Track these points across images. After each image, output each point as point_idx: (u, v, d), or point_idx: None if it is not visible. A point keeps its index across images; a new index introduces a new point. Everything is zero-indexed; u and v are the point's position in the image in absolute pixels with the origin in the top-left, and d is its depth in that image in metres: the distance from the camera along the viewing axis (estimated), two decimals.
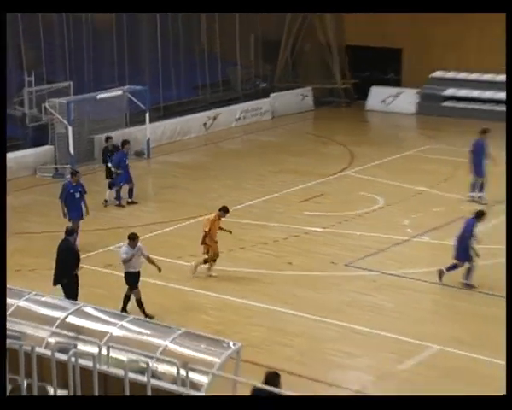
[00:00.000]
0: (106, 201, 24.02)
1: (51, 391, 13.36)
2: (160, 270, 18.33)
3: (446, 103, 36.85)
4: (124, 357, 13.62)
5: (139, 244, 18.01)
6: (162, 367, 13.69)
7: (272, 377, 12.43)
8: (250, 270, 21.50)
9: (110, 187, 24.91)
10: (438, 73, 37.46)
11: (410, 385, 15.99)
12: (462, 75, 37.08)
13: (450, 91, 36.93)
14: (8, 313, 15.12)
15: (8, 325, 14.09)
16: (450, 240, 20.80)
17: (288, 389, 12.17)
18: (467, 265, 19.75)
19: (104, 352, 13.28)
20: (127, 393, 13.29)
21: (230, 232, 20.51)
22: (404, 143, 33.05)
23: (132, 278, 17.95)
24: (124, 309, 17.77)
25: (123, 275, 17.94)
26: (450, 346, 17.30)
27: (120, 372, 13.03)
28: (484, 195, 24.93)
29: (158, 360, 13.76)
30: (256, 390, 12.54)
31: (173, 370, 13.19)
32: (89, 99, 30.29)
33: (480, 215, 19.64)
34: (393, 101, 38.20)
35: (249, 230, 23.81)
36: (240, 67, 37.86)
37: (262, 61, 39.23)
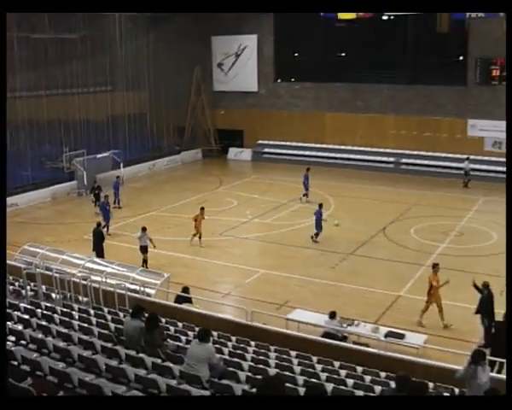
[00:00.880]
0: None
1: (80, 298, 21.28)
2: (154, 247, 28.35)
3: (264, 156, 54.71)
4: (113, 281, 22.74)
5: (146, 232, 28.37)
6: (132, 286, 22.55)
7: (185, 289, 21.82)
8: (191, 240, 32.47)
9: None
10: (260, 141, 55.41)
11: (251, 290, 25.93)
12: (272, 142, 55.32)
13: (266, 149, 54.92)
14: (58, 262, 25.06)
15: (56, 267, 23.22)
16: (270, 220, 36.02)
17: (193, 294, 21.50)
18: (318, 231, 32.50)
19: (103, 279, 22.42)
20: (116, 299, 20.92)
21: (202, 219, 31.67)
22: (245, 174, 49.92)
23: (143, 249, 28.15)
24: (144, 265, 27.77)
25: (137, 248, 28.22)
26: (269, 270, 28.34)
27: (112, 289, 21.49)
28: (306, 199, 39.93)
29: (130, 283, 22.72)
30: (177, 296, 21.62)
31: (137, 287, 22.63)
32: (92, 158, 44.75)
33: (321, 206, 33.08)
34: (240, 154, 56.19)
35: (172, 218, 36.49)
36: (165, 140, 54.42)
37: (177, 136, 55.69)
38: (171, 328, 18.15)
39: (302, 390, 12.50)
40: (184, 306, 21.08)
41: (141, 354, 13.52)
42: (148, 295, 22.35)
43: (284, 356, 16.80)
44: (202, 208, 32.33)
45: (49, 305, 18.61)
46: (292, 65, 55.87)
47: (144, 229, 28.65)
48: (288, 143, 54.65)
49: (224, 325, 19.42)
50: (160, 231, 32.80)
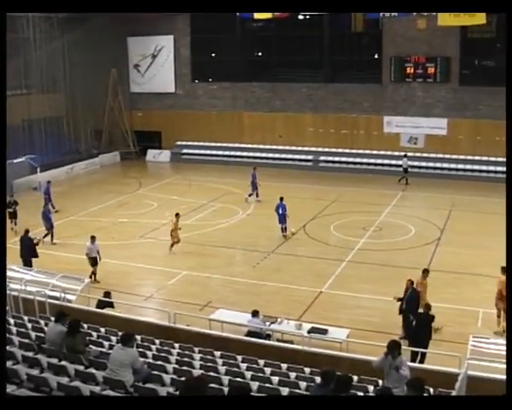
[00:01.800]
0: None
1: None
2: (100, 259, 27.23)
3: (183, 157, 54.31)
4: (33, 289, 22.31)
5: (95, 242, 27.17)
6: (52, 293, 22.06)
7: (106, 293, 21.81)
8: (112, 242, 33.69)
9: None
10: (178, 143, 55.06)
11: (173, 291, 25.74)
12: (191, 143, 54.82)
13: (184, 150, 54.59)
14: None
15: None
16: (190, 221, 35.40)
17: (115, 298, 21.48)
18: (285, 226, 32.98)
19: (22, 287, 22.05)
20: (36, 307, 20.62)
21: (180, 229, 30.69)
22: (164, 176, 49.86)
23: (93, 260, 26.94)
24: (92, 276, 26.73)
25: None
26: (190, 271, 28.12)
27: (31, 297, 21.24)
28: (251, 198, 40.27)
29: (50, 289, 22.32)
30: (99, 301, 21.48)
31: (58, 294, 22.00)
32: (8, 164, 38.88)
33: (282, 199, 33.49)
34: (159, 156, 55.77)
35: (92, 223, 35.33)
36: (83, 143, 53.15)
37: (94, 139, 54.81)
38: (94, 334, 17.78)
39: (227, 390, 12.31)
40: (106, 311, 20.76)
41: (63, 362, 13.21)
42: (69, 301, 21.83)
43: (208, 357, 16.65)
44: (177, 214, 31.62)
45: None
46: (209, 65, 55.80)
47: (93, 238, 27.60)
48: (206, 144, 54.59)
49: (147, 328, 19.15)
50: (80, 236, 32.04)
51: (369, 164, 49.67)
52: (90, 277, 26.66)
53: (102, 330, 18.67)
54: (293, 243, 32.45)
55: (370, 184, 44.39)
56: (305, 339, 18.51)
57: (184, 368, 14.79)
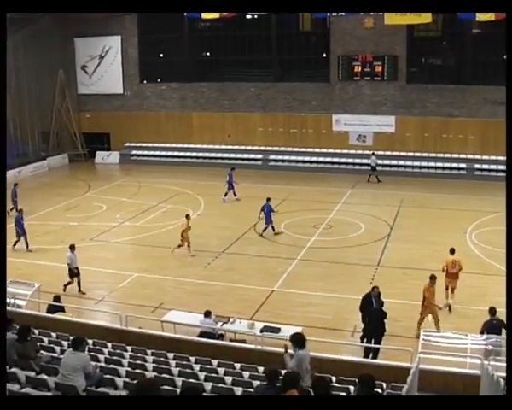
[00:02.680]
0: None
1: None
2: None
3: (132, 158, 54.05)
4: None
5: (75, 251, 26.09)
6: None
7: (56, 297, 21.29)
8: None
9: None
10: (127, 144, 54.85)
11: (125, 294, 25.45)
12: (140, 144, 54.79)
13: (133, 151, 54.44)
14: None
15: None
16: (140, 223, 35.46)
17: (66, 302, 21.13)
18: (268, 225, 33.15)
19: None
20: None
21: (190, 228, 30.30)
22: (114, 178, 49.51)
23: (75, 271, 25.85)
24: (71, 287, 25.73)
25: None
26: (142, 273, 27.94)
27: None
28: (226, 198, 40.47)
29: None
30: (49, 305, 20.93)
31: (8, 299, 20.02)
32: None
33: (269, 199, 33.57)
34: (108, 158, 55.38)
35: (40, 226, 34.77)
36: (31, 146, 52.31)
37: (42, 142, 53.94)
38: (45, 339, 17.53)
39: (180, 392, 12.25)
40: (57, 315, 20.46)
41: (14, 369, 13.04)
42: (19, 306, 21.41)
43: (161, 359, 16.56)
44: (188, 215, 31.36)
45: None
46: (157, 65, 55.49)
47: (73, 247, 26.50)
48: (156, 145, 54.60)
49: (98, 331, 18.95)
50: (29, 239, 31.49)
51: (318, 162, 50.03)
52: (79, 289, 25.84)
53: (54, 335, 18.41)
54: (244, 242, 32.46)
55: (320, 183, 44.85)
56: (257, 338, 18.58)
57: (137, 371, 14.67)
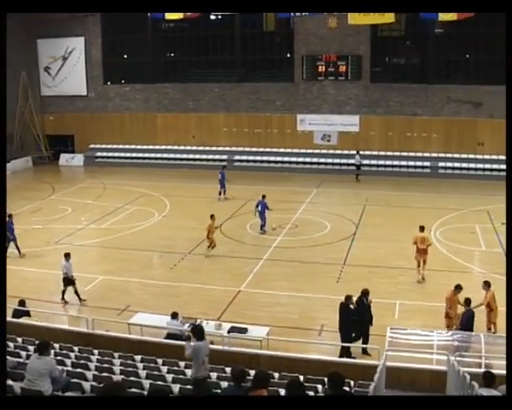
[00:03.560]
0: None
1: None
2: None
3: (97, 160, 53.73)
4: None
5: (70, 259, 25.07)
6: None
7: (21, 302, 20.93)
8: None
9: None
10: (91, 146, 54.48)
11: (91, 297, 24.93)
12: (104, 146, 54.52)
13: (98, 153, 54.16)
14: None
15: None
16: (106, 225, 35.11)
17: (31, 307, 20.73)
18: (263, 222, 33.52)
19: None
20: None
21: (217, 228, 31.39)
22: (78, 180, 48.85)
23: (69, 280, 24.77)
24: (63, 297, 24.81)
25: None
26: (108, 275, 27.66)
27: None
28: (221, 197, 40.72)
29: None
30: (14, 310, 20.57)
31: None
32: None
33: (264, 196, 33.89)
34: (72, 160, 54.97)
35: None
36: None
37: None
38: (11, 344, 17.28)
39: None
40: (23, 320, 20.26)
41: None
42: None
43: (129, 362, 16.48)
44: (212, 216, 30.92)
45: None
46: (121, 67, 55.29)
47: (68, 256, 25.32)
48: (120, 146, 54.28)
49: (65, 335, 18.82)
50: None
51: (283, 162, 50.23)
52: (78, 298, 24.87)
53: (19, 340, 18.23)
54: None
55: (285, 182, 44.97)
56: (225, 339, 18.57)
57: (104, 374, 14.57)
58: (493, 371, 11.57)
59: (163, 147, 53.46)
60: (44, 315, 21.63)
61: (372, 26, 47.14)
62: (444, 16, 41.19)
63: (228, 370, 16.07)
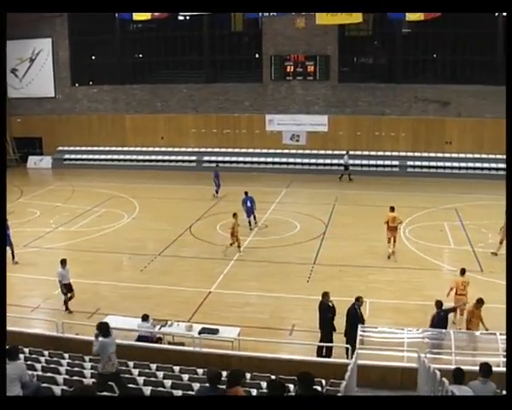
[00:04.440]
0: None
1: None
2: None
3: (65, 162, 53.40)
4: None
5: (67, 265, 24.45)
6: None
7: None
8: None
9: None
10: (60, 148, 54.00)
11: (61, 301, 24.14)
12: (73, 148, 54.25)
13: (66, 155, 53.52)
14: None
15: None
16: (75, 228, 34.97)
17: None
18: (250, 217, 33.76)
19: None
20: None
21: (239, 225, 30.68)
22: (47, 183, 48.20)
23: (68, 287, 24.16)
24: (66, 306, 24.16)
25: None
26: (77, 278, 25.97)
27: None
28: (218, 195, 40.90)
29: None
30: None
31: None
32: None
33: (247, 193, 34.30)
34: (40, 162, 54.37)
35: None
36: None
37: None
38: None
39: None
40: None
41: None
42: None
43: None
44: (235, 214, 30.82)
45: None
46: (89, 68, 54.95)
47: (64, 262, 24.66)
48: (89, 148, 53.88)
49: (34, 339, 18.67)
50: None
51: (252, 163, 50.33)
52: (66, 308, 24.21)
53: None
54: (180, 244, 32.36)
55: (255, 183, 44.61)
56: (196, 340, 18.54)
57: (75, 378, 14.48)
58: (463, 367, 11.64)
59: (132, 148, 53.21)
60: (13, 319, 21.38)
61: (340, 26, 47.41)
62: (411, 16, 41.64)
63: (200, 371, 16.15)
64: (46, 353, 17.61)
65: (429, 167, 47.10)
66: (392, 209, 29.71)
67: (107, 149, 53.63)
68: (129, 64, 54.39)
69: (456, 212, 36.44)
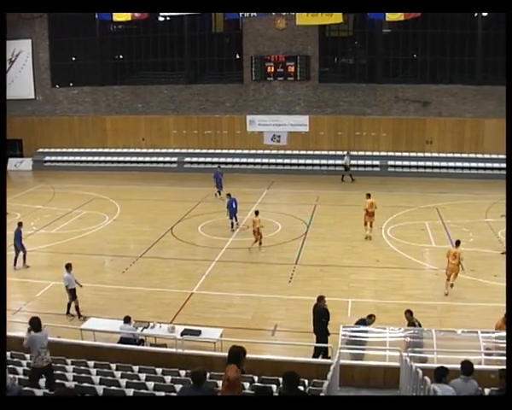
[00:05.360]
0: None
1: None
2: (81, 286, 24.17)
3: (46, 164, 52.95)
4: None
5: (71, 270, 23.93)
6: None
7: None
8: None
9: None
10: (40, 150, 53.67)
11: (43, 303, 24.64)
12: (53, 150, 53.92)
13: (47, 157, 53.32)
14: None
15: None
16: (56, 230, 34.65)
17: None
18: (232, 221, 33.90)
19: None
20: None
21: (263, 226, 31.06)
22: (27, 185, 47.87)
23: (72, 292, 23.64)
24: (71, 311, 23.66)
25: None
26: (59, 281, 25.26)
27: None
28: (220, 196, 39.56)
29: None
30: None
31: None
32: None
33: (229, 195, 34.31)
34: (20, 164, 53.99)
35: None
36: None
37: None
38: None
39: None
40: None
41: None
42: None
43: (82, 367, 16.35)
44: (257, 212, 31.56)
45: None
46: (69, 69, 54.57)
47: (69, 267, 24.15)
48: (69, 150, 53.64)
49: (16, 343, 18.44)
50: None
51: (233, 163, 50.16)
52: (68, 312, 23.78)
53: None
54: (162, 245, 32.30)
55: (236, 183, 44.45)
56: (178, 342, 18.47)
57: (57, 381, 14.44)
58: (445, 365, 11.71)
59: (113, 150, 53.00)
60: None
61: (320, 27, 47.50)
62: (391, 16, 41.97)
63: (182, 373, 16.13)
64: (28, 356, 17.31)
65: (410, 167, 47.27)
66: (369, 196, 32.22)
67: (88, 150, 53.27)
68: (109, 65, 54.15)
69: (437, 211, 36.61)
